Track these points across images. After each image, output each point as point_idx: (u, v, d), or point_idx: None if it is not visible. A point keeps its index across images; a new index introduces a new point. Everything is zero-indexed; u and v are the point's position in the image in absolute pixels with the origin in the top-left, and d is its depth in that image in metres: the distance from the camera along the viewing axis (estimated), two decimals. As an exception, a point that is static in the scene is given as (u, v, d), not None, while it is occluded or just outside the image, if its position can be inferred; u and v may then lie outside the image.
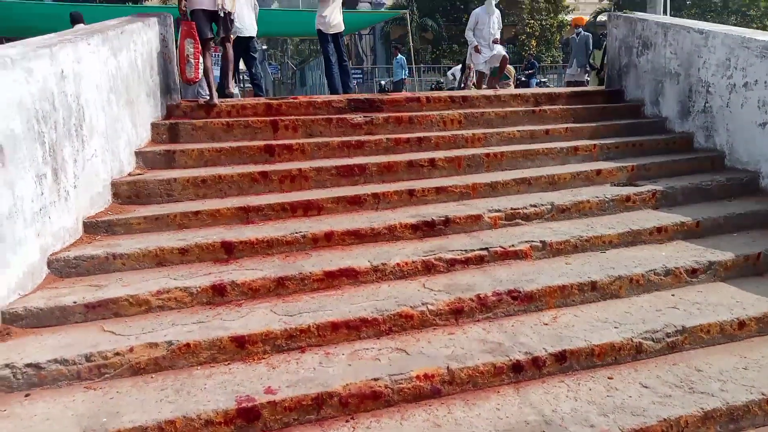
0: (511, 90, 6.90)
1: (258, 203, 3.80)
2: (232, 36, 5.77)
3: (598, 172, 4.53)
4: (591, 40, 11.48)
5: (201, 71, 5.30)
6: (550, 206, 3.94)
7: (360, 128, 5.17)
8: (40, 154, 3.00)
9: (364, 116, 5.22)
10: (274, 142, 4.67)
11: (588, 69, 11.71)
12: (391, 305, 2.84)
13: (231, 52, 5.94)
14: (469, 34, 8.76)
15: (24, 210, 2.82)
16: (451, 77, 20.90)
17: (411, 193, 4.09)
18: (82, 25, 8.69)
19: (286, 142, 4.70)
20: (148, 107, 4.67)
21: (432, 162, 4.54)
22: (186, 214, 3.64)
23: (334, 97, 5.72)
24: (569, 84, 12.29)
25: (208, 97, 5.43)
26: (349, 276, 3.14)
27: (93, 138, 3.64)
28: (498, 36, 8.70)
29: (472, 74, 9.66)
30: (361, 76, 23.00)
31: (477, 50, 8.49)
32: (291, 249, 3.43)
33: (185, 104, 5.26)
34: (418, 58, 29.99)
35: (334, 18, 7.05)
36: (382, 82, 21.47)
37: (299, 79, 21.81)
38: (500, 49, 8.57)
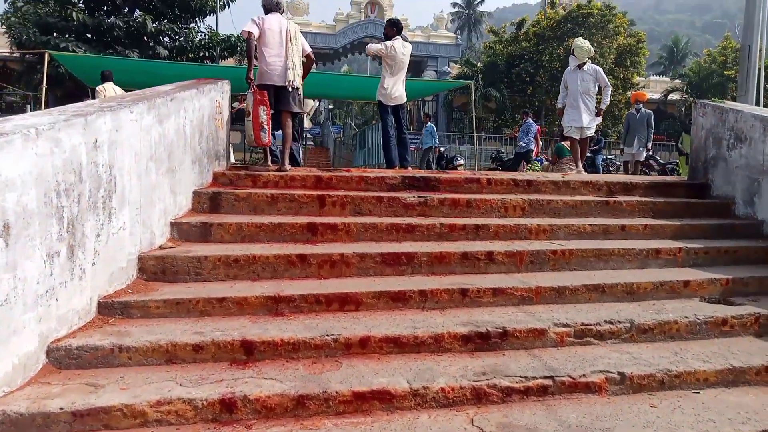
0: (582, 176, 6.36)
1: (291, 293, 3.38)
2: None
3: (686, 283, 3.88)
4: (652, 119, 11.02)
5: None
6: (629, 324, 3.33)
7: (413, 209, 4.76)
8: (56, 230, 2.72)
9: (418, 196, 4.82)
10: (318, 220, 4.32)
11: (649, 147, 11.04)
12: (430, 449, 2.30)
13: (290, 128, 5.69)
14: (561, 94, 7.85)
15: (26, 293, 2.51)
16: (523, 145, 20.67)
17: (463, 293, 3.58)
18: (111, 84, 8.98)
19: (332, 220, 4.33)
20: (191, 174, 4.45)
21: (490, 256, 4.04)
22: (210, 300, 3.27)
23: (388, 173, 5.37)
24: (626, 164, 11.63)
25: (280, 163, 5.39)
26: (383, 400, 2.62)
27: (123, 209, 3.38)
28: (599, 105, 7.58)
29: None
30: (419, 141, 22.97)
31: (560, 113, 7.86)
32: (319, 354, 2.97)
33: (233, 172, 5.04)
34: (479, 126, 30.02)
35: (396, 90, 6.84)
36: (442, 149, 21.32)
37: (359, 140, 22.01)
38: (590, 124, 7.60)
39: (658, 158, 22.10)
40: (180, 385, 2.60)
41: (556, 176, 5.91)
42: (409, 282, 3.72)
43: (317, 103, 37.88)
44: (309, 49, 5.83)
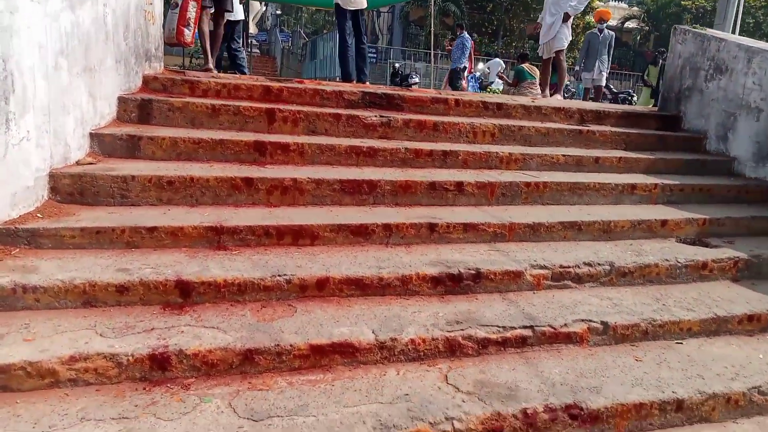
0: (553, 101, 5.97)
1: (235, 223, 2.91)
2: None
3: (663, 223, 3.66)
4: (613, 41, 10.31)
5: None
6: (608, 267, 3.08)
7: (374, 130, 4.27)
8: (-74, 139, 2.10)
9: (381, 116, 4.32)
10: (267, 138, 3.77)
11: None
12: (401, 415, 1.99)
13: (222, 29, 5.50)
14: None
15: None
16: (486, 70, 19.85)
17: (432, 228, 3.21)
18: None
19: (283, 139, 3.79)
20: (115, 76, 3.74)
21: (459, 186, 3.66)
22: (138, 229, 2.76)
23: (347, 87, 4.80)
24: (587, 90, 11.22)
25: (204, 67, 5.13)
26: (345, 354, 2.27)
27: (26, 115, 2.72)
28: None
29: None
30: (375, 56, 21.91)
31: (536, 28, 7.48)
32: (270, 297, 2.56)
33: (166, 76, 4.33)
34: (436, 44, 28.93)
35: None
36: (396, 65, 20.41)
37: (310, 50, 20.68)
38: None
39: (611, 86, 22.11)
40: (100, 335, 2.15)
41: (526, 100, 5.51)
42: (372, 214, 3.31)
43: (264, 8, 35.29)
44: None
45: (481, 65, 18.03)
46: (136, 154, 3.47)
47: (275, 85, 4.47)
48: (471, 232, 3.28)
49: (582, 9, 7.03)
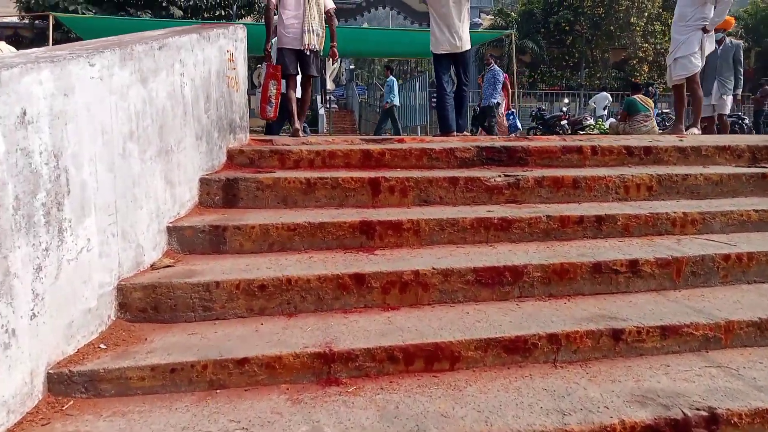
0: (708, 138, 4.90)
1: (348, 345, 2.15)
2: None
3: None
4: (741, 53, 8.16)
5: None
6: None
7: (499, 194, 3.46)
8: (-59, 278, 1.52)
9: (505, 175, 3.51)
10: (374, 216, 3.05)
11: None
12: None
13: (310, 93, 5.53)
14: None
15: None
16: (592, 105, 18.78)
17: (616, 335, 2.29)
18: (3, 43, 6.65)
19: (392, 215, 3.06)
20: (196, 156, 3.20)
21: (633, 266, 2.73)
22: (224, 363, 2.06)
23: (456, 143, 4.04)
24: (705, 119, 9.56)
25: (292, 130, 5.07)
26: None
27: (86, 220, 2.16)
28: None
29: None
30: (454, 100, 21.35)
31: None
32: (410, 470, 1.75)
33: (253, 147, 3.78)
34: (514, 83, 28.07)
35: (445, 33, 5.39)
36: (477, 109, 19.73)
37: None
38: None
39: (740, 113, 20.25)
40: None
41: (673, 139, 4.52)
42: (524, 315, 2.45)
43: (338, 64, 36.18)
44: (331, 5, 5.17)
45: (590, 101, 16.96)
46: (221, 249, 2.85)
47: (375, 148, 3.79)
48: (671, 337, 2.33)
49: (723, 19, 5.91)
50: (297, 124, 5.02)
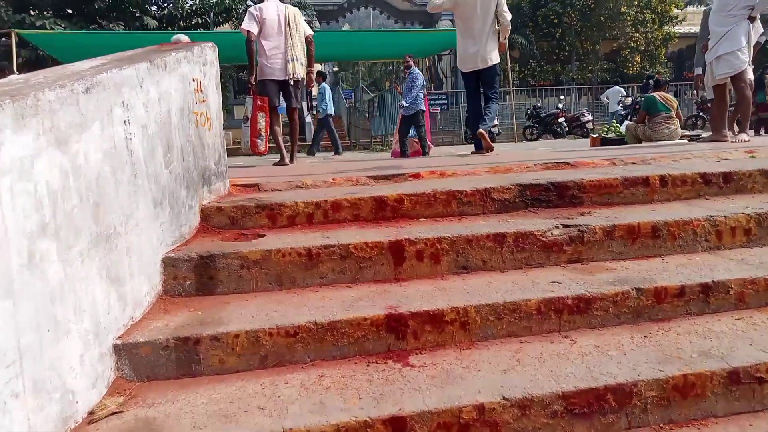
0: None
1: None
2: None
3: None
4: None
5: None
6: None
7: (560, 251, 2.64)
8: None
9: (563, 226, 2.69)
10: (402, 303, 2.22)
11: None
12: None
13: (297, 121, 5.46)
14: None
15: None
16: (605, 100, 18.02)
17: None
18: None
19: (428, 303, 2.22)
20: (155, 229, 2.35)
21: (782, 371, 1.93)
22: None
23: (492, 180, 3.23)
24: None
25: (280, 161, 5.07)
26: None
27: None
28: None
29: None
30: (446, 102, 20.60)
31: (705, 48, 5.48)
32: None
33: (234, 202, 2.93)
34: (504, 80, 27.29)
35: (469, 50, 5.27)
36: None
37: (378, 106, 19.62)
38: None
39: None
40: None
41: (745, 157, 3.73)
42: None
43: (321, 67, 35.23)
44: (309, 31, 5.21)
45: (602, 96, 16.12)
46: (194, 370, 2.00)
47: (390, 194, 2.96)
48: None
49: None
50: (285, 159, 4.93)
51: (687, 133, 8.14)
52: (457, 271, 2.58)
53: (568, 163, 3.75)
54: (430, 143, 10.27)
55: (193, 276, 2.40)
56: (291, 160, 5.00)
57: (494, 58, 5.20)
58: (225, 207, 2.86)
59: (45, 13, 17.78)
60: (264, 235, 2.73)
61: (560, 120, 18.56)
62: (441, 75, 29.41)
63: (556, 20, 24.41)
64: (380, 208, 2.94)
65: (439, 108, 20.56)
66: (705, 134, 7.08)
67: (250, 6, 5.12)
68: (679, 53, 30.05)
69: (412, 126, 9.64)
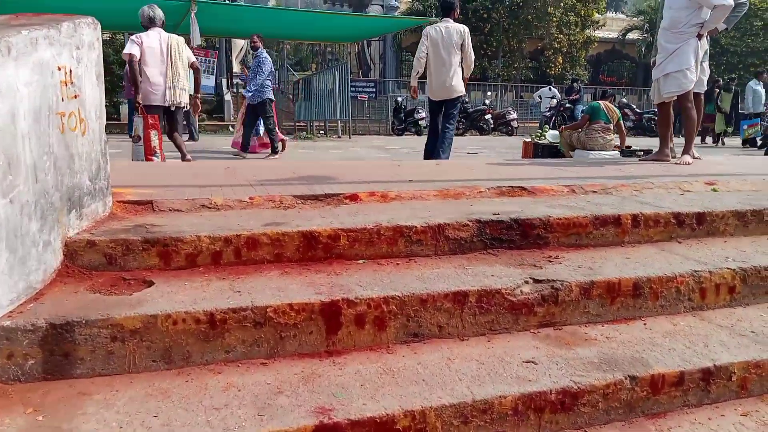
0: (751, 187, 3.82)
1: None
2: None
3: None
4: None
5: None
6: None
7: (529, 313, 2.16)
8: None
9: (532, 279, 2.20)
10: (336, 401, 1.63)
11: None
12: None
13: (179, 140, 5.44)
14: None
15: None
16: (537, 99, 17.83)
17: None
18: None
19: (370, 402, 1.66)
20: (-19, 288, 1.61)
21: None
22: None
23: (444, 214, 2.70)
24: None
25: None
26: None
27: None
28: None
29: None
30: (374, 90, 20.04)
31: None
32: None
33: (114, 233, 2.21)
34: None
35: (442, 80, 5.76)
36: (399, 99, 18.55)
37: (303, 89, 18.63)
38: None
39: (632, 106, 20.33)
40: None
41: (706, 192, 3.44)
42: None
43: (245, 43, 33.35)
44: (193, 58, 5.41)
45: (535, 95, 15.87)
46: None
47: (323, 229, 2.35)
48: None
49: (716, 25, 4.89)
50: (188, 155, 5.06)
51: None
52: (407, 340, 2.02)
53: (524, 189, 3.29)
54: (283, 137, 8.84)
55: (39, 353, 1.68)
56: (184, 157, 5.07)
57: (459, 90, 5.82)
58: (100, 241, 2.13)
59: None
60: (152, 283, 2.04)
61: (487, 116, 18.56)
62: (369, 61, 28.75)
63: (485, 15, 24.45)
64: (310, 246, 2.33)
65: (366, 96, 20.00)
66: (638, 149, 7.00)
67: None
68: (597, 57, 31.29)
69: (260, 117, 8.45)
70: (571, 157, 7.70)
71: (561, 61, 26.62)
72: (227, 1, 19.78)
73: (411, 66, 27.16)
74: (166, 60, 4.91)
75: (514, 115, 18.86)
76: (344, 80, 13.72)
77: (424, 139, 14.24)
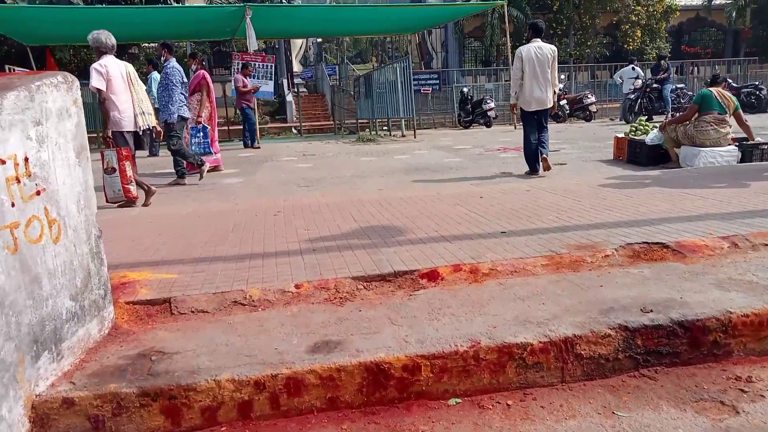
0: None
1: None
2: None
3: None
4: None
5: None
6: None
7: None
8: None
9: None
10: None
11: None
12: None
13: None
14: None
15: None
16: (618, 80, 16.28)
17: None
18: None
19: None
20: None
21: None
22: None
23: (573, 320, 1.87)
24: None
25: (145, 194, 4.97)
26: None
27: None
28: None
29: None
30: (437, 82, 19.05)
31: None
32: None
33: (103, 380, 1.55)
34: (497, 55, 25.60)
35: (540, 93, 6.01)
36: (465, 90, 17.47)
37: (364, 85, 17.88)
38: None
39: (730, 81, 18.27)
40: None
41: None
42: None
43: (303, 42, 33.14)
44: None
45: (615, 75, 14.29)
46: None
47: (396, 359, 1.60)
48: None
49: None
50: (152, 188, 5.03)
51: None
52: None
53: (666, 246, 2.40)
54: (212, 157, 7.33)
55: None
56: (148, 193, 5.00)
57: (552, 101, 6.07)
58: (81, 399, 1.48)
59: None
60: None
61: (562, 102, 17.13)
62: (431, 50, 27.64)
63: (554, -9, 22.83)
64: (377, 384, 1.59)
65: (430, 89, 19.06)
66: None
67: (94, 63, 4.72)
68: (679, 27, 28.56)
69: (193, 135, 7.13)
70: (677, 156, 6.56)
71: (639, 35, 24.50)
72: (283, 2, 19.46)
73: (475, 53, 25.74)
74: (128, 87, 4.94)
75: (592, 99, 17.27)
76: (407, 75, 12.88)
77: (493, 131, 13.46)
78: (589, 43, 24.48)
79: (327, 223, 3.28)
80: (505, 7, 14.50)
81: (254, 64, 12.13)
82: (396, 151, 9.28)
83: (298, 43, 27.72)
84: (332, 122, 19.27)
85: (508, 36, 15.21)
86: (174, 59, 6.65)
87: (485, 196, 3.94)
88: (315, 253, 2.58)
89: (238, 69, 11.61)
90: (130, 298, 2.06)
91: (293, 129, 18.32)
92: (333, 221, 3.31)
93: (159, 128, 5.35)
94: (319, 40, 34.36)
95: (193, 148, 7.17)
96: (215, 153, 7.51)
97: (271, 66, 12.89)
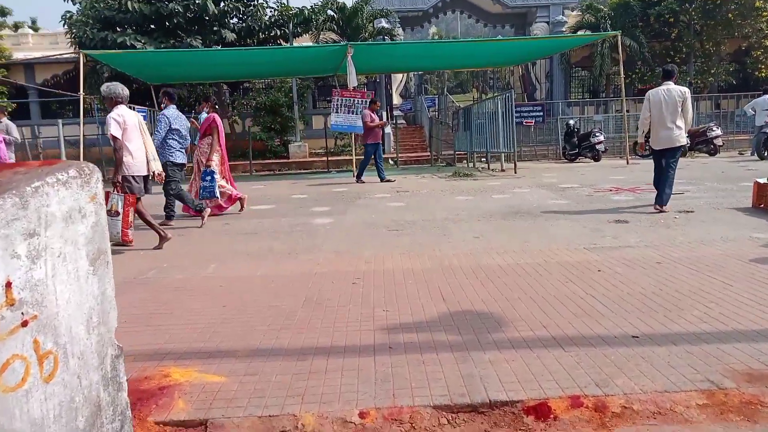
0: None
1: None
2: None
3: None
4: None
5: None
6: None
7: None
8: None
9: None
10: None
11: None
12: None
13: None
14: None
15: None
16: (750, 112, 14.78)
17: None
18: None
19: None
20: None
21: None
22: None
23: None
24: None
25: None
26: None
27: None
28: None
29: None
30: (541, 114, 18.14)
31: None
32: None
33: None
34: (607, 86, 24.13)
35: (665, 133, 5.99)
36: (571, 122, 16.41)
37: (463, 118, 17.39)
38: None
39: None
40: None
41: None
42: None
43: (403, 76, 33.41)
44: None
45: (747, 108, 12.80)
46: None
47: None
48: None
49: None
50: (162, 232, 5.15)
51: None
52: None
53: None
54: (219, 200, 7.01)
55: None
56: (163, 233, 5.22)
57: (681, 141, 6.07)
58: None
59: (127, 29, 17.52)
60: None
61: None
62: (534, 81, 26.66)
63: (671, 19, 21.15)
64: None
65: (533, 121, 18.17)
66: None
67: (119, 107, 4.99)
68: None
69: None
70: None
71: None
72: (386, 39, 19.62)
73: (581, 82, 24.44)
74: (140, 134, 5.26)
75: (717, 132, 15.51)
76: (509, 108, 12.23)
77: (602, 166, 12.69)
78: (712, 71, 22.37)
79: (410, 300, 2.80)
80: (619, 37, 13.47)
81: (353, 100, 12.14)
82: (494, 189, 8.62)
83: (398, 78, 27.91)
84: (429, 153, 18.94)
85: (621, 66, 14.13)
86: (174, 106, 6.48)
87: (603, 268, 3.27)
88: (391, 353, 2.10)
89: (365, 105, 11.67)
90: (162, 417, 1.69)
91: (390, 160, 18.16)
92: (417, 299, 2.82)
93: (159, 173, 5.61)
94: (420, 72, 34.51)
95: (201, 192, 7.00)
96: (233, 193, 7.23)
97: (368, 102, 12.84)
